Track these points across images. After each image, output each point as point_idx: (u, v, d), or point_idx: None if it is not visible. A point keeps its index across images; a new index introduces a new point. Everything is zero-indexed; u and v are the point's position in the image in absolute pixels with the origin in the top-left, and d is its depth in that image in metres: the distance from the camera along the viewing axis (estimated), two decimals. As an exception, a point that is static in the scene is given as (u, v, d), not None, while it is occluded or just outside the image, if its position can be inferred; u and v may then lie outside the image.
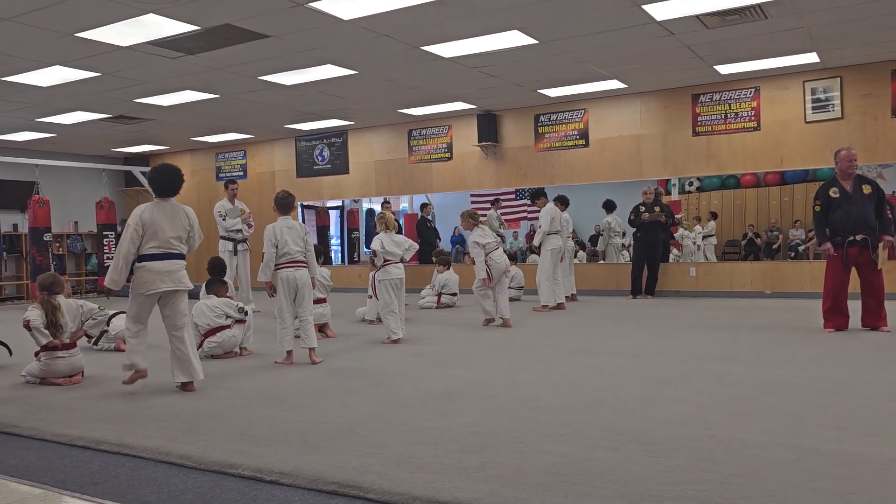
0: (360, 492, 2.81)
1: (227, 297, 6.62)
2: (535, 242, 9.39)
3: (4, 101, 10.01)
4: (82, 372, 5.44)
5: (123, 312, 6.77)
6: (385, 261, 6.97)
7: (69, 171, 14.45)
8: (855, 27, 7.80)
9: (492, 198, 13.33)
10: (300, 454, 3.29)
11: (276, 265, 5.92)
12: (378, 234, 7.11)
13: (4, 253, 13.79)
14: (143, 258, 4.84)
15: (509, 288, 10.83)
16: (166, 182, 5.02)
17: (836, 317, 6.68)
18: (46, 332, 5.24)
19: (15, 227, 14.09)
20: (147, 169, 14.87)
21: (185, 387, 4.91)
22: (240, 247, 9.86)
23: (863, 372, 4.87)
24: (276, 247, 5.88)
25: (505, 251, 12.18)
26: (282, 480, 2.99)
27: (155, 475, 3.15)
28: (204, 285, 6.73)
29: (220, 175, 15.42)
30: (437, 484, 2.84)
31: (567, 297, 10.27)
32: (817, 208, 6.72)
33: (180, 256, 4.99)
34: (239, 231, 9.84)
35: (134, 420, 4.07)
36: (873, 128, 9.56)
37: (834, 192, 6.64)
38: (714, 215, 13.13)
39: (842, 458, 3.02)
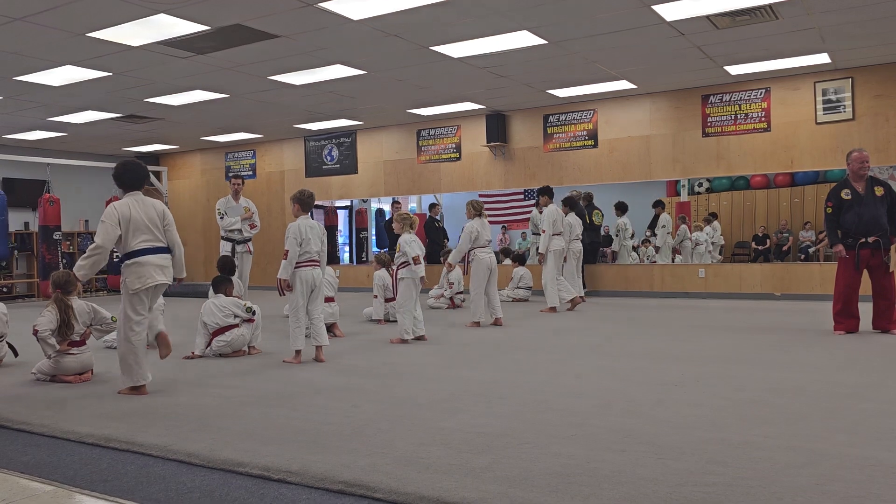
0: (367, 491, 2.81)
1: (235, 296, 6.63)
2: (541, 249, 9.18)
3: (17, 100, 10.08)
4: (92, 370, 5.46)
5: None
6: (404, 261, 6.95)
7: (80, 169, 14.52)
8: (867, 28, 7.75)
9: (525, 197, 13.34)
10: (308, 453, 3.29)
11: (295, 263, 5.91)
12: (402, 235, 7.01)
13: (16, 251, 13.88)
14: (133, 254, 4.75)
15: (517, 288, 10.89)
16: (132, 175, 4.99)
17: (846, 319, 6.64)
18: (53, 341, 5.22)
19: (26, 225, 14.19)
20: (158, 168, 14.95)
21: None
22: (239, 248, 9.03)
23: (874, 375, 4.83)
24: (300, 245, 5.88)
25: (512, 252, 12.22)
26: (289, 479, 2.99)
27: (163, 473, 3.16)
28: (211, 284, 6.74)
29: (230, 175, 15.46)
30: (444, 484, 2.83)
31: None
32: (829, 210, 6.68)
33: (168, 250, 4.95)
34: (238, 231, 9.05)
35: (143, 418, 4.09)
36: (885, 129, 9.50)
37: (846, 194, 6.60)
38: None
39: (853, 462, 3.00)
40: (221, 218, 9.08)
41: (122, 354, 4.80)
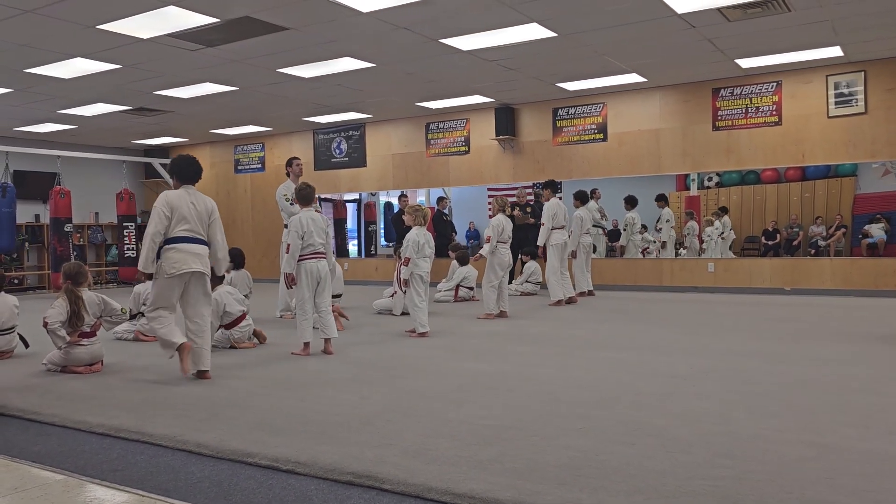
0: (375, 482, 2.82)
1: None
2: (540, 242, 9.19)
3: (27, 92, 10.12)
4: (102, 361, 5.50)
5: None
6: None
7: (90, 162, 14.60)
8: (880, 20, 7.67)
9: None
10: (317, 444, 3.30)
11: (300, 256, 5.94)
12: (412, 229, 7.04)
13: (27, 243, 13.96)
14: (172, 240, 4.94)
15: (526, 282, 10.88)
16: (188, 169, 5.21)
17: None
18: (63, 333, 5.26)
19: (37, 217, 14.27)
20: (167, 161, 14.98)
21: (202, 375, 5.00)
22: None
23: (884, 369, 4.80)
24: (302, 238, 5.90)
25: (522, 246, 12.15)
26: (298, 470, 3.00)
27: (173, 463, 3.18)
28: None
29: (239, 168, 15.51)
30: (452, 475, 2.84)
31: (584, 293, 10.22)
32: None
33: (206, 242, 5.13)
34: None
35: (153, 408, 4.11)
36: (898, 123, 9.42)
37: None
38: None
39: (863, 456, 2.98)
40: (293, 205, 8.03)
41: (152, 330, 5.15)
